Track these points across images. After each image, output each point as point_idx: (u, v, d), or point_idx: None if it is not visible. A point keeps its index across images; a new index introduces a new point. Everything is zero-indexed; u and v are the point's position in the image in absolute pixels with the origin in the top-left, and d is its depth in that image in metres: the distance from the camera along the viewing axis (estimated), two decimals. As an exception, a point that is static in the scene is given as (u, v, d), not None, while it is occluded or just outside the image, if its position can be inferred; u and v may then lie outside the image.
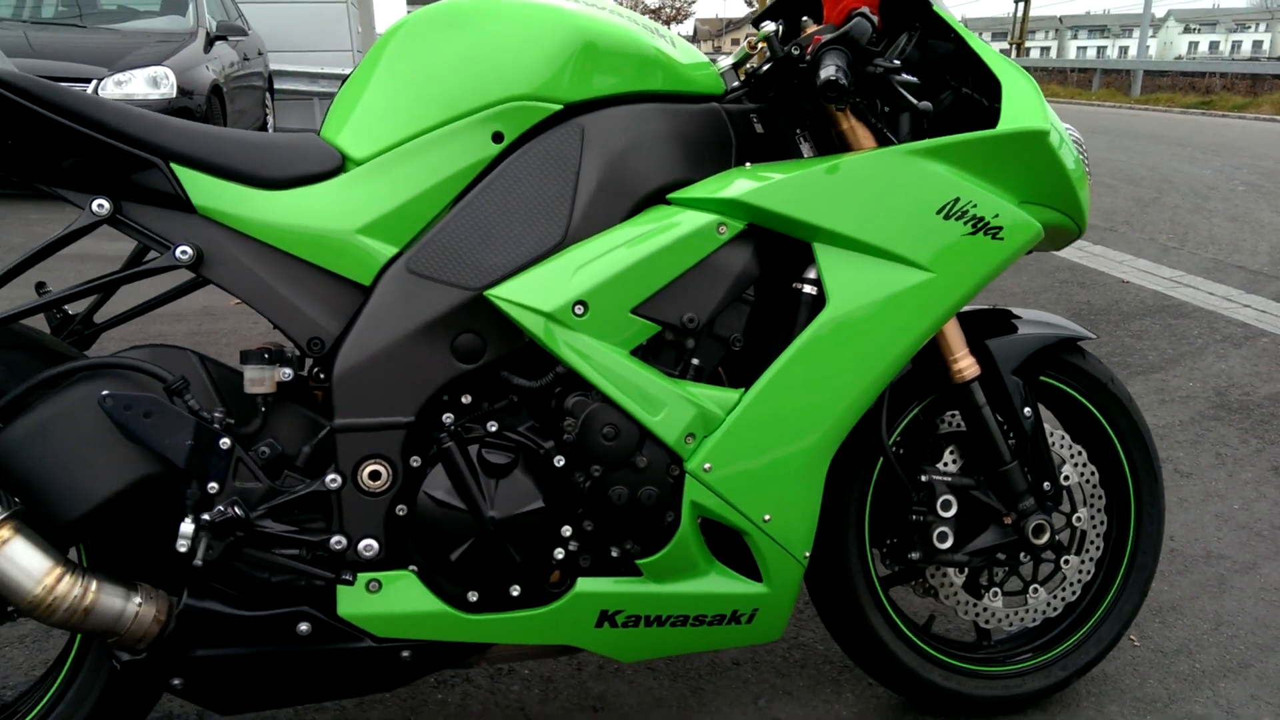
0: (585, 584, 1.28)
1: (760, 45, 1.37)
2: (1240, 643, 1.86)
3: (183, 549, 1.15)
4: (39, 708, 1.26)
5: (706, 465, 1.25)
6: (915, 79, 1.27)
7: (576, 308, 1.19)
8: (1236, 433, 2.92)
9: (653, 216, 1.24)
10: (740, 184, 1.25)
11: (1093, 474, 1.59)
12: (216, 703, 1.25)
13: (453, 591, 1.27)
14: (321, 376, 1.28)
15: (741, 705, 1.64)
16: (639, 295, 1.22)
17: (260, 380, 1.21)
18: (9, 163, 1.14)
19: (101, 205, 1.15)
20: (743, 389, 1.27)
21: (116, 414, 1.12)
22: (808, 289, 1.29)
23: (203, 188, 1.19)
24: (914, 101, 1.21)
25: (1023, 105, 1.32)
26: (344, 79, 1.34)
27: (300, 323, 1.22)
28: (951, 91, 1.45)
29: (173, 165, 1.18)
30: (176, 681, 1.20)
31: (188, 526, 1.15)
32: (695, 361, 1.28)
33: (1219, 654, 1.82)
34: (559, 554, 1.28)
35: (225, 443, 1.16)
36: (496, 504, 1.23)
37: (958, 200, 1.30)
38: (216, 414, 1.16)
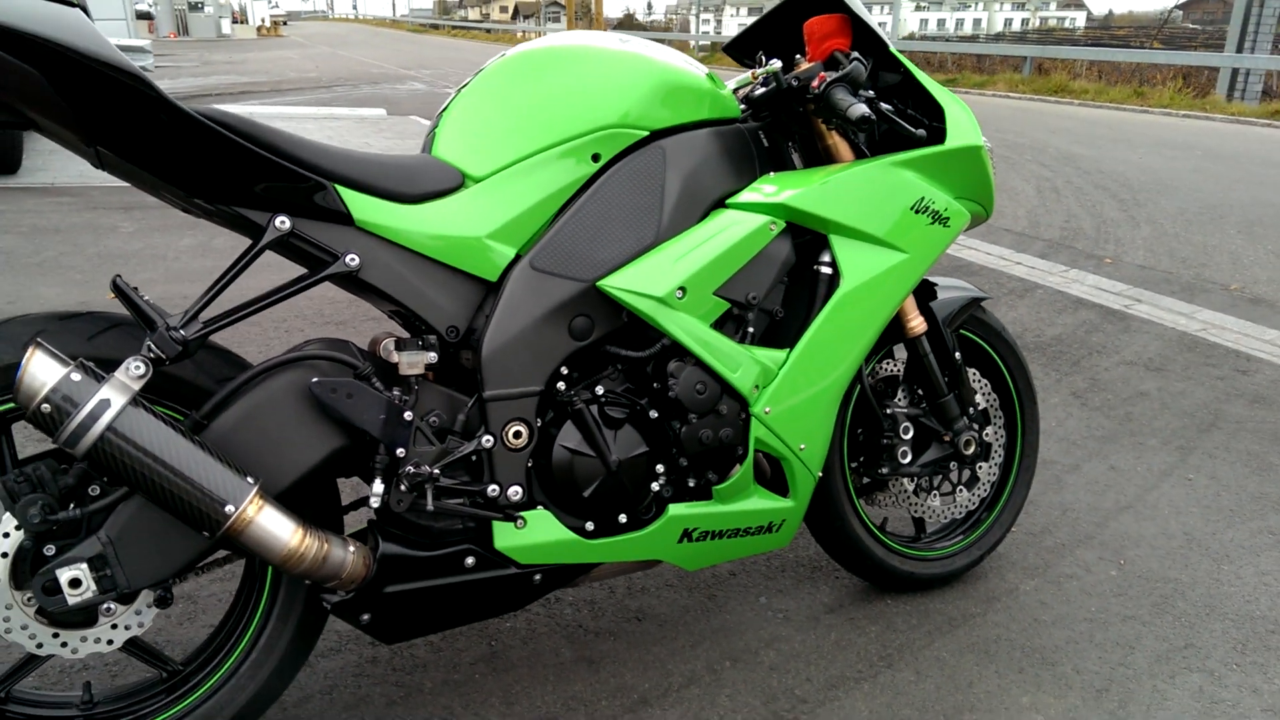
0: (675, 509, 1.63)
1: (761, 75, 1.75)
2: (1082, 522, 2.47)
3: (375, 505, 1.39)
4: (230, 662, 1.44)
5: (767, 409, 1.63)
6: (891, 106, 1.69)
7: (678, 292, 1.53)
8: (1038, 368, 3.64)
9: (722, 219, 1.59)
10: (781, 191, 1.62)
11: (995, 400, 2.11)
12: (387, 633, 1.49)
13: (574, 523, 1.57)
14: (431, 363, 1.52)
15: (749, 602, 2.05)
16: (719, 280, 1.57)
17: (415, 363, 1.45)
18: (198, 187, 1.31)
19: (284, 221, 1.35)
20: (787, 348, 1.65)
21: (324, 397, 1.34)
22: (825, 269, 1.68)
23: (360, 204, 1.41)
24: (912, 130, 1.62)
25: (964, 126, 1.78)
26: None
27: (441, 314, 1.48)
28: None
29: (336, 186, 1.39)
30: (365, 617, 1.44)
31: (379, 486, 1.39)
32: (750, 330, 1.64)
33: (1069, 531, 2.43)
34: (654, 486, 1.61)
35: (408, 416, 1.40)
36: (616, 450, 1.55)
37: (923, 199, 1.74)
38: (396, 392, 1.40)
